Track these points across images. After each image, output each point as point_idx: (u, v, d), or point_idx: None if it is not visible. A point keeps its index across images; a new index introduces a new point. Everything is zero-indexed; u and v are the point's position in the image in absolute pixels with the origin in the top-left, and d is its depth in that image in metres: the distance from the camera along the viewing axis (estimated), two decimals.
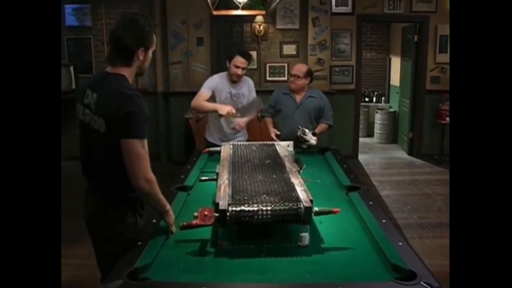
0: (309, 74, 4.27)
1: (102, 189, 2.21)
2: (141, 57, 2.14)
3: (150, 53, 2.20)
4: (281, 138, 4.00)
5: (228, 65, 3.94)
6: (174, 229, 2.16)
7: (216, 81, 4.00)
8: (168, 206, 2.18)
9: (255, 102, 4.01)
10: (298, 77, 4.19)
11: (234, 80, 3.96)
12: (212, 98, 3.95)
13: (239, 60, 3.87)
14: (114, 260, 1.91)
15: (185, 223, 2.09)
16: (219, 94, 3.97)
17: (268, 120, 4.34)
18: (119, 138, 2.01)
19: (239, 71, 3.89)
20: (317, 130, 4.15)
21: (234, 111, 3.66)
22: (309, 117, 4.24)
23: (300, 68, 4.27)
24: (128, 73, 2.15)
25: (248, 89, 4.11)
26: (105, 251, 2.19)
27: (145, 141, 2.05)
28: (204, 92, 3.94)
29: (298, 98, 4.25)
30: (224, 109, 3.67)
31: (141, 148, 2.02)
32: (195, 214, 2.04)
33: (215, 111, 3.76)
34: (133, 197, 2.16)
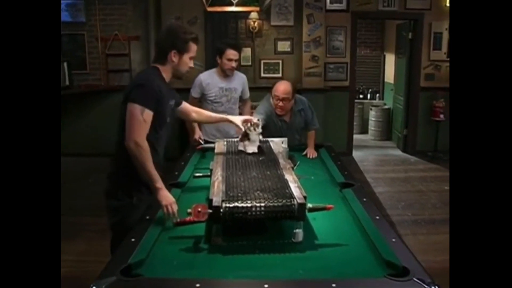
0: (294, 93, 3.77)
1: (110, 164, 2.48)
2: (174, 59, 2.42)
3: (186, 58, 2.45)
4: None
5: (219, 60, 3.93)
6: (168, 210, 2.21)
7: (201, 80, 4.00)
8: (159, 183, 2.27)
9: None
10: (289, 100, 3.68)
11: (228, 74, 3.95)
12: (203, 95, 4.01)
13: (231, 53, 3.86)
14: (114, 239, 2.30)
15: (179, 219, 2.09)
16: (209, 90, 3.97)
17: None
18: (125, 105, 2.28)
19: (233, 64, 3.89)
20: (309, 143, 3.84)
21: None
22: (300, 130, 4.00)
23: (286, 89, 3.65)
24: (162, 69, 2.45)
25: (240, 83, 4.11)
26: (109, 228, 2.45)
27: (148, 111, 2.27)
28: (193, 97, 4.04)
29: (287, 118, 3.83)
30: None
31: (140, 113, 2.24)
32: (189, 210, 2.04)
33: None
34: (131, 176, 2.33)
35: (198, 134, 3.91)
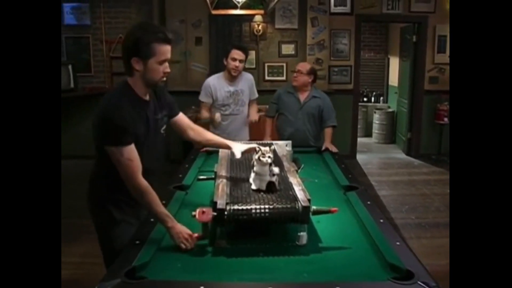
0: (312, 72, 4.25)
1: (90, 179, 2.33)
2: (137, 67, 2.06)
3: (153, 63, 2.06)
4: (284, 139, 3.93)
5: (225, 62, 3.92)
6: (186, 245, 2.00)
7: (209, 84, 4.00)
8: (170, 223, 2.04)
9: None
10: (301, 73, 4.19)
11: (233, 74, 3.93)
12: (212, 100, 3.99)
13: (236, 53, 3.85)
14: (104, 253, 2.20)
15: (198, 235, 2.04)
16: (216, 94, 3.97)
17: (268, 121, 4.34)
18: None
19: (237, 63, 3.87)
20: (326, 139, 4.09)
21: (219, 119, 3.77)
22: (312, 117, 4.22)
23: (303, 65, 4.32)
24: (131, 81, 2.14)
25: (247, 84, 4.10)
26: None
27: (126, 148, 2.03)
28: (204, 102, 4.04)
29: (302, 97, 4.23)
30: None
31: (120, 155, 2.03)
32: (193, 213, 2.04)
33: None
34: (108, 196, 2.24)
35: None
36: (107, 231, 2.26)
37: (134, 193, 2.09)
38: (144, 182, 2.07)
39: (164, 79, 2.18)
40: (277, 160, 2.47)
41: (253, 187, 2.19)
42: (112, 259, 1.95)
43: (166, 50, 2.07)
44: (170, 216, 2.09)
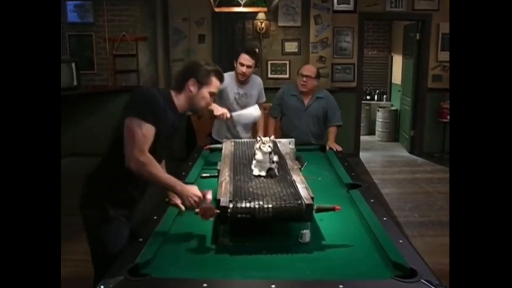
0: (319, 74, 4.21)
1: (95, 171, 2.31)
2: (192, 88, 2.24)
3: (205, 91, 2.27)
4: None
5: (235, 65, 3.84)
6: (195, 206, 2.09)
7: (226, 80, 3.86)
8: (179, 187, 2.11)
9: (253, 115, 3.67)
10: (311, 78, 4.09)
11: (240, 80, 3.86)
12: (219, 97, 3.87)
13: (244, 58, 3.76)
14: (94, 252, 2.22)
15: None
16: (227, 94, 3.87)
17: (271, 122, 4.31)
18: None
19: (244, 69, 3.77)
20: (330, 138, 4.08)
21: (228, 115, 3.44)
22: (317, 119, 4.18)
23: (311, 69, 4.19)
24: (174, 94, 2.28)
25: (257, 88, 4.01)
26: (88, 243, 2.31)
27: (147, 125, 2.05)
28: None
29: (306, 100, 4.17)
30: (219, 110, 3.41)
31: (137, 126, 2.03)
32: (196, 210, 2.05)
33: (211, 111, 3.42)
34: (112, 190, 2.21)
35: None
36: (99, 229, 2.21)
37: (137, 168, 2.03)
38: (148, 156, 2.05)
39: (204, 110, 2.42)
40: (276, 151, 2.66)
41: (255, 173, 2.39)
42: (102, 257, 2.02)
43: (218, 85, 2.33)
44: (177, 181, 2.14)
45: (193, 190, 2.11)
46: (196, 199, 2.08)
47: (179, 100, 2.27)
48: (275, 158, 2.44)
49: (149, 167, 2.04)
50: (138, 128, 2.03)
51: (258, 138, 2.45)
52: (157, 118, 2.09)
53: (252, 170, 2.42)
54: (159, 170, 2.10)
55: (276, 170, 2.40)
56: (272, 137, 2.78)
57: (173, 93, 2.28)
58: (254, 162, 2.43)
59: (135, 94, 2.17)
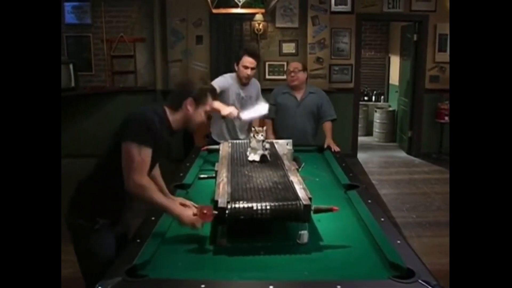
0: (305, 68, 4.32)
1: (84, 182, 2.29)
2: (189, 107, 2.23)
3: (201, 110, 2.29)
4: (283, 138, 3.88)
5: (236, 67, 3.83)
6: (196, 227, 2.08)
7: (228, 81, 3.86)
8: (176, 210, 2.11)
9: (261, 109, 3.71)
10: (298, 71, 4.18)
11: (243, 82, 3.85)
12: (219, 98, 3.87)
13: (247, 60, 3.76)
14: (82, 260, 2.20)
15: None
16: (228, 95, 3.84)
17: (268, 123, 4.29)
18: (114, 146, 2.09)
19: (248, 72, 3.78)
20: (327, 135, 4.09)
21: (236, 114, 3.45)
22: (311, 115, 4.20)
23: (296, 64, 4.31)
24: (169, 111, 2.25)
25: (256, 91, 4.03)
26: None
27: (145, 149, 2.05)
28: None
29: (299, 95, 4.20)
30: (227, 110, 3.45)
31: (136, 152, 2.02)
32: (194, 211, 2.05)
33: (218, 111, 3.48)
34: (99, 201, 2.18)
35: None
36: (86, 238, 2.18)
37: (135, 190, 2.04)
38: (146, 179, 2.06)
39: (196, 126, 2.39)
40: (274, 152, 2.88)
41: (250, 158, 2.68)
42: (89, 266, 2.06)
43: (212, 104, 2.40)
44: (175, 206, 2.14)
45: (190, 217, 2.08)
46: (194, 220, 2.07)
47: (175, 118, 2.26)
48: (267, 146, 2.78)
49: (149, 192, 2.05)
50: (137, 153, 2.03)
51: (253, 128, 2.73)
52: (154, 141, 2.10)
53: (249, 173, 2.42)
54: (158, 195, 2.11)
55: (268, 156, 2.69)
56: (272, 139, 2.86)
57: (167, 110, 2.25)
58: (249, 149, 2.73)
59: (132, 119, 2.13)
